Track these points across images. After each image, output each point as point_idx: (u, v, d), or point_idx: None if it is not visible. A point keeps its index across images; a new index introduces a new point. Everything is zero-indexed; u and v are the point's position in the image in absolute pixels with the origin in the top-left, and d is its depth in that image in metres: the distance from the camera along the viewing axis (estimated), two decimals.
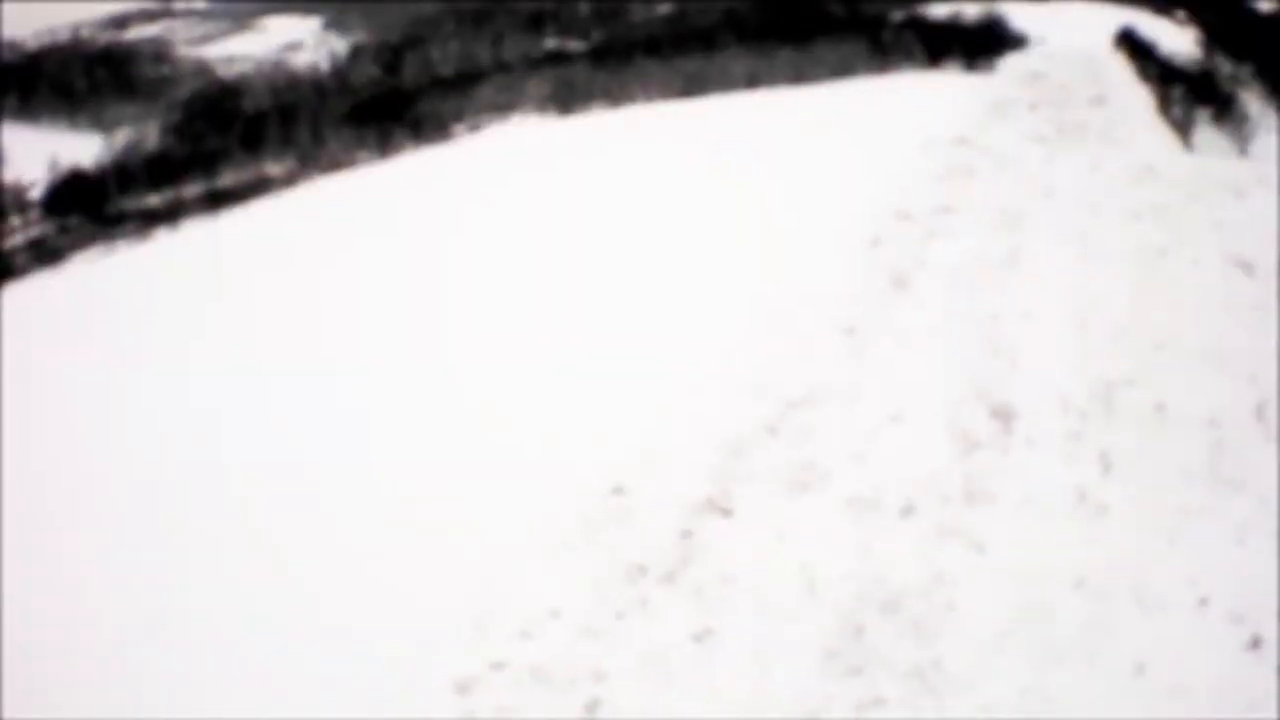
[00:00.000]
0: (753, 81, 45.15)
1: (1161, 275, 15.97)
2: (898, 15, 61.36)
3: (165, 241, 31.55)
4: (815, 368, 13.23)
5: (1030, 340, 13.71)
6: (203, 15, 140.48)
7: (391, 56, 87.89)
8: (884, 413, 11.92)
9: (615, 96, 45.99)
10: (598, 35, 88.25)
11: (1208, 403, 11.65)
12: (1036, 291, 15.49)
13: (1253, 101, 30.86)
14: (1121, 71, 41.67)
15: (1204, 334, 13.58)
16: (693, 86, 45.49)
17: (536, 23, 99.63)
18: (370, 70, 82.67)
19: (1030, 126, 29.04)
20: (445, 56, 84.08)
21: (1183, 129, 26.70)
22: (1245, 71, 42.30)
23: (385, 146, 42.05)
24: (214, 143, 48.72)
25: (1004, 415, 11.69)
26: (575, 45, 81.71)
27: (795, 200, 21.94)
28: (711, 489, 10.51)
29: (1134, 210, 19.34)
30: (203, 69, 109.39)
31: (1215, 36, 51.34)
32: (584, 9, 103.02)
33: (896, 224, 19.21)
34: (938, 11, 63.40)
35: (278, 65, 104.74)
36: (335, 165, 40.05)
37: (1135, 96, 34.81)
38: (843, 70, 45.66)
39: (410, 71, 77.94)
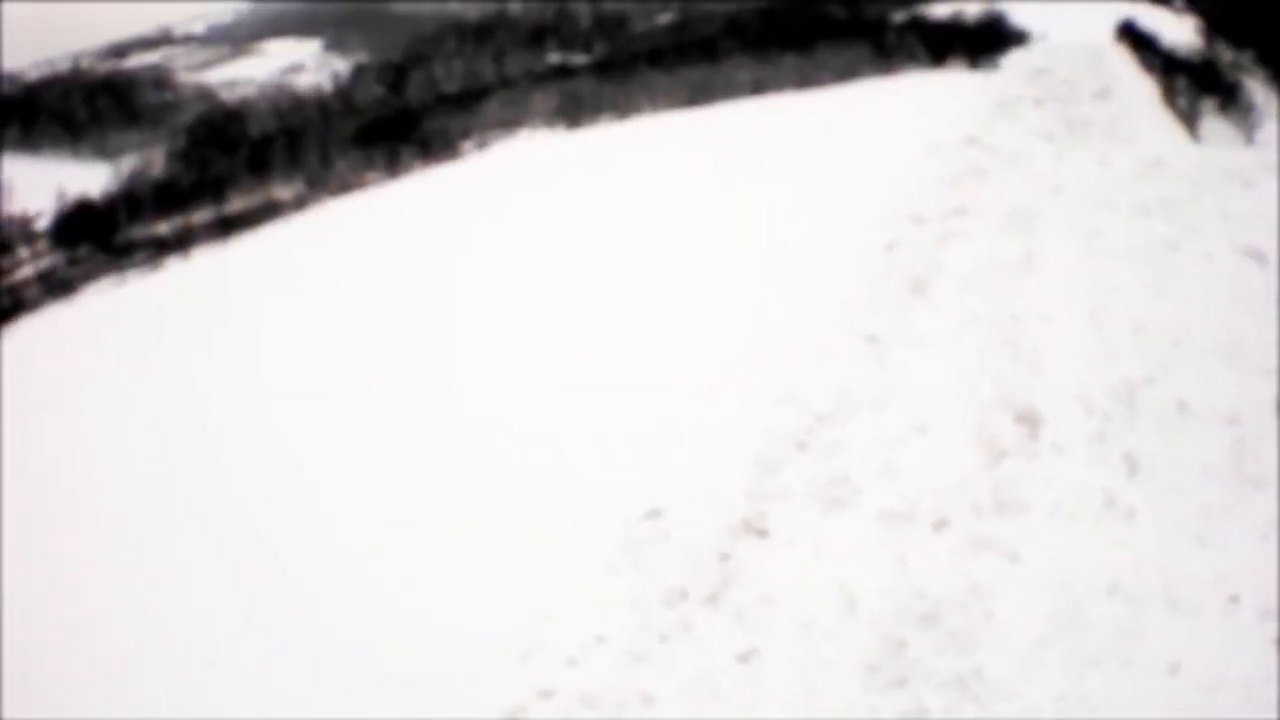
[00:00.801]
0: (758, 88, 45.15)
1: (1175, 270, 16.10)
2: (900, 17, 61.48)
3: (177, 270, 31.61)
4: (840, 378, 13.32)
5: (1050, 342, 13.83)
6: (202, 41, 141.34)
7: (395, 76, 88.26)
8: (910, 422, 12.03)
9: (622, 108, 45.99)
10: (600, 48, 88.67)
11: (1227, 399, 11.80)
12: (1053, 292, 15.63)
13: (1257, 89, 30.92)
14: (1124, 64, 41.69)
15: (1219, 328, 13.72)
16: (698, 95, 45.48)
17: (538, 37, 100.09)
18: (374, 90, 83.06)
19: (1037, 124, 29.10)
20: (449, 74, 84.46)
21: (1188, 120, 26.77)
22: (1247, 58, 42.37)
23: (394, 166, 42.04)
24: (220, 168, 48.94)
25: (1030, 420, 11.80)
26: (578, 58, 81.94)
27: (807, 206, 22.01)
28: (746, 509, 10.61)
29: (1143, 205, 19.49)
30: (205, 94, 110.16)
31: (1215, 24, 51.39)
32: (585, 22, 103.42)
33: (910, 228, 19.30)
34: (939, 12, 63.51)
35: (280, 88, 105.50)
36: (344, 187, 40.04)
37: (1139, 89, 34.86)
38: (847, 74, 45.66)
39: (415, 90, 78.23)
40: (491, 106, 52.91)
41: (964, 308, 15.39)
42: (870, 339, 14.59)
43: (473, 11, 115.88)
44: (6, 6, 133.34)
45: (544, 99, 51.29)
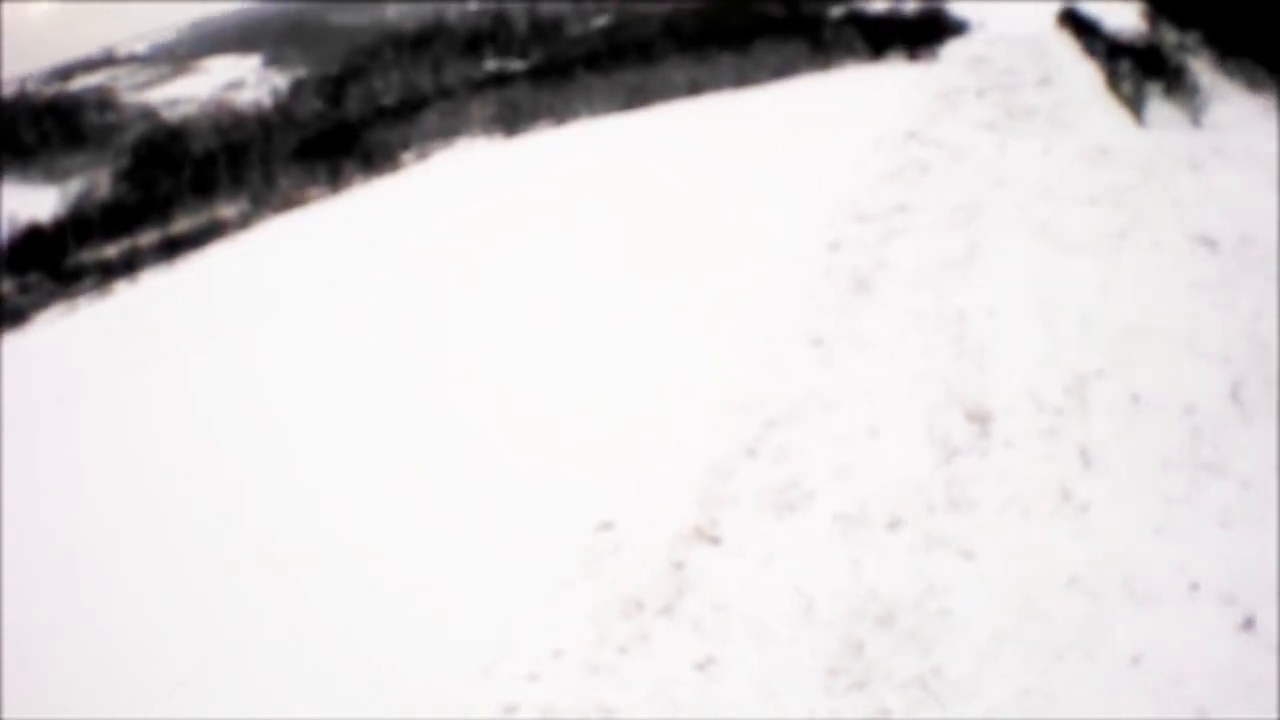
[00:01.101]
0: (695, 89, 45.54)
1: (1124, 259, 16.12)
2: (837, 11, 61.89)
3: (125, 294, 31.64)
4: (787, 382, 13.38)
5: (998, 337, 13.87)
6: (143, 60, 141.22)
7: (334, 89, 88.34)
8: (861, 424, 12.07)
9: (559, 114, 46.41)
10: (537, 54, 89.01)
11: (1182, 388, 11.79)
12: (1000, 286, 15.66)
13: (1203, 71, 31.13)
14: (1066, 50, 41.97)
15: (1172, 317, 13.71)
16: (635, 98, 45.84)
17: (475, 45, 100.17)
18: (314, 104, 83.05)
19: (979, 114, 29.28)
20: (387, 85, 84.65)
21: (1134, 105, 26.88)
22: (1192, 40, 42.70)
23: (336, 181, 42.32)
24: (165, 187, 48.99)
25: (980, 417, 11.84)
26: (515, 65, 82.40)
27: (750, 209, 22.12)
28: (698, 516, 10.65)
29: (1090, 194, 19.53)
30: (148, 113, 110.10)
31: (1160, 7, 51.80)
32: (522, 28, 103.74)
33: (854, 226, 19.40)
34: (877, 5, 63.90)
35: (221, 105, 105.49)
36: (288, 203, 40.24)
37: (1082, 75, 35.08)
38: (785, 71, 46.08)
39: (354, 103, 78.40)
40: (430, 117, 53.28)
41: (909, 306, 15.46)
42: (816, 341, 14.67)
43: (409, 21, 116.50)
44: None
45: (482, 107, 51.71)
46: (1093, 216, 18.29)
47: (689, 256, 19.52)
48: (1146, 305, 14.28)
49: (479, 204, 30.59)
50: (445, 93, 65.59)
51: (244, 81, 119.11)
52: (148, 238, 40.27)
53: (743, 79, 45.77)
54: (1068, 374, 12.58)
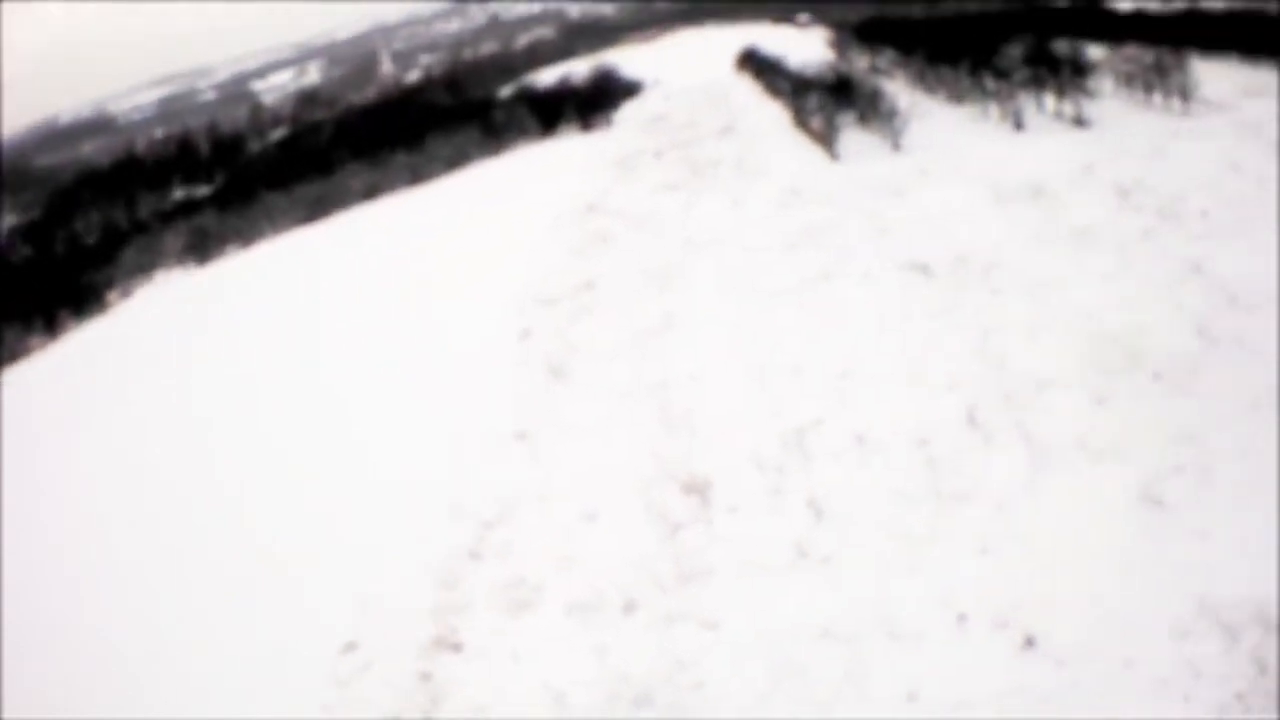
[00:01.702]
0: (372, 192, 46.29)
1: (831, 299, 16.52)
2: (507, 91, 62.79)
3: None
4: (499, 480, 13.57)
5: (706, 402, 14.18)
6: None
7: (41, 233, 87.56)
8: (577, 512, 12.27)
9: (245, 235, 47.33)
10: (220, 176, 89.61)
11: (911, 421, 12.16)
12: (702, 350, 16.04)
13: (900, 93, 32.11)
14: (749, 93, 42.89)
15: (890, 351, 14.15)
16: (316, 210, 46.73)
17: (163, 175, 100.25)
18: (23, 251, 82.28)
19: (660, 176, 29.74)
20: (89, 225, 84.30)
21: (825, 139, 27.41)
22: (886, 60, 44.11)
23: (52, 328, 42.19)
24: None
25: (698, 487, 12.03)
26: (202, 190, 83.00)
27: (439, 308, 22.28)
28: (437, 626, 10.76)
29: (787, 239, 20.00)
30: None
31: (848, 32, 53.42)
32: (205, 151, 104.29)
33: (543, 310, 19.73)
34: (546, 78, 64.87)
35: None
36: (13, 356, 39.92)
37: (767, 116, 35.91)
38: (459, 161, 46.94)
39: (61, 245, 77.98)
40: (129, 253, 53.48)
41: (608, 385, 15.79)
42: (521, 435, 14.88)
43: (104, 157, 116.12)
44: None
45: (175, 238, 52.24)
46: (793, 262, 18.72)
47: (388, 363, 19.68)
48: (862, 343, 14.66)
49: (178, 340, 30.64)
50: (140, 227, 66.01)
51: None
52: None
53: (417, 176, 46.54)
54: (785, 428, 12.87)
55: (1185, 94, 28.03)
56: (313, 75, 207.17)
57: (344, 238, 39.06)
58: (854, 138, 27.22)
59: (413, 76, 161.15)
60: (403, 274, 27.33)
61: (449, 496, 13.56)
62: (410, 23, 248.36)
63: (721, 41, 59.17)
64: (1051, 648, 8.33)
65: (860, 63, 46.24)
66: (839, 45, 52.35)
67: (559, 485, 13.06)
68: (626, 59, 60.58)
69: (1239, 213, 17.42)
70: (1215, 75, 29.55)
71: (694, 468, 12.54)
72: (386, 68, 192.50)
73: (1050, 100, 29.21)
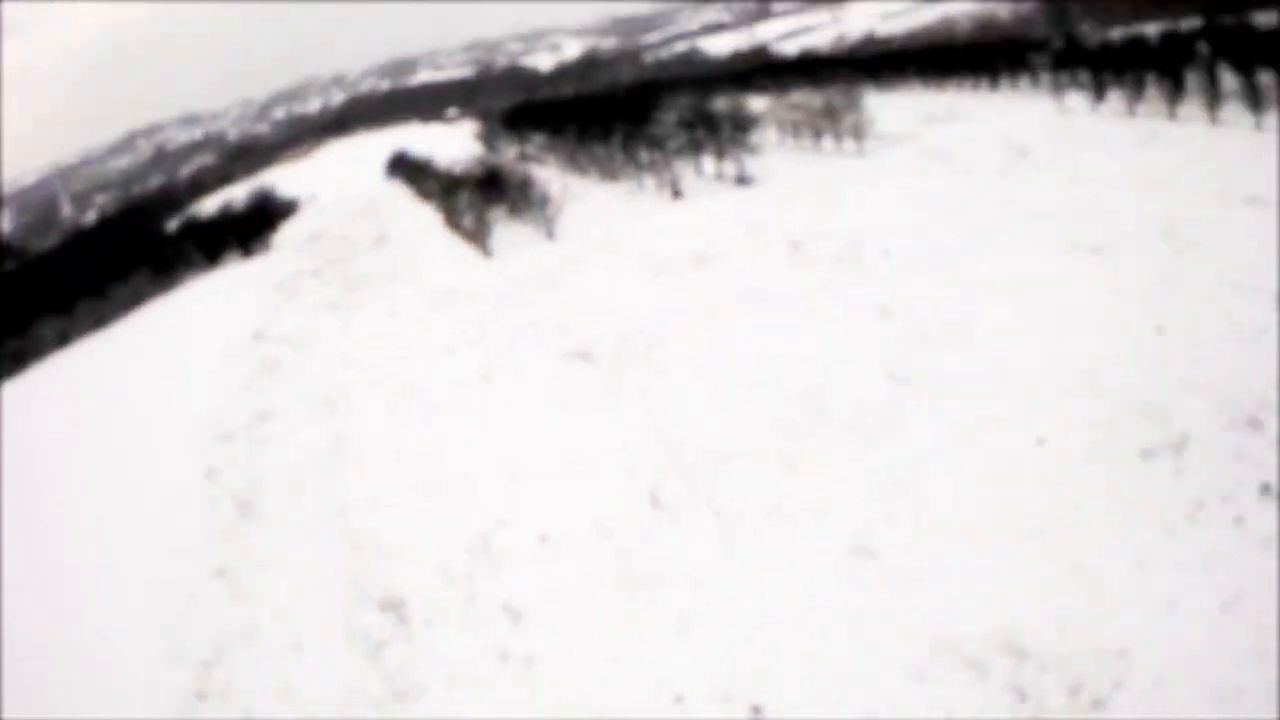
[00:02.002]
0: (64, 339, 45.81)
1: (494, 398, 16.74)
2: (174, 224, 62.26)
3: None
4: (207, 620, 13.47)
5: (387, 522, 14.32)
6: None
7: None
8: (284, 643, 12.23)
9: None
10: None
11: (593, 510, 12.45)
12: (371, 469, 16.32)
13: (554, 177, 32.43)
14: (401, 198, 43.16)
15: (561, 443, 14.51)
16: (14, 364, 45.71)
17: None
18: None
19: (320, 295, 29.72)
20: None
21: (477, 237, 27.68)
22: (536, 145, 44.45)
23: None
24: None
25: (393, 605, 12.11)
26: None
27: (128, 455, 21.92)
28: None
29: (445, 345, 20.39)
30: None
31: (496, 120, 53.81)
32: None
33: (224, 446, 19.61)
34: (209, 206, 64.48)
35: None
36: None
37: (420, 220, 36.13)
38: (135, 301, 46.92)
39: None
40: None
41: (295, 515, 15.78)
42: (219, 573, 14.73)
43: None
44: None
45: None
46: (451, 368, 19.01)
47: (83, 511, 19.41)
48: (530, 439, 14.97)
49: None
50: None
51: None
52: None
53: (100, 320, 46.18)
54: (468, 536, 13.03)
55: (859, 133, 28.73)
56: (5, 224, 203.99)
57: (38, 388, 38.23)
58: (508, 230, 27.49)
59: (90, 217, 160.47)
60: (89, 421, 26.79)
61: (162, 640, 13.44)
62: (86, 161, 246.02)
63: (374, 147, 59.35)
64: (783, 710, 8.61)
65: (509, 152, 46.62)
66: (486, 137, 52.61)
67: (263, 619, 13.03)
68: (283, 177, 60.60)
69: (923, 245, 17.91)
70: (897, 105, 30.40)
71: (387, 585, 12.65)
72: (66, 211, 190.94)
73: (710, 162, 29.71)
